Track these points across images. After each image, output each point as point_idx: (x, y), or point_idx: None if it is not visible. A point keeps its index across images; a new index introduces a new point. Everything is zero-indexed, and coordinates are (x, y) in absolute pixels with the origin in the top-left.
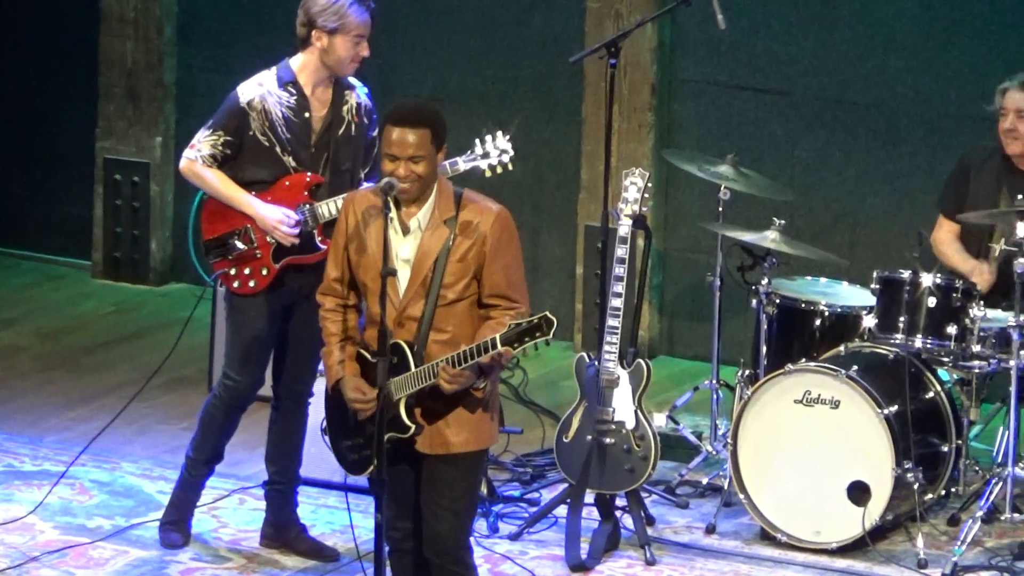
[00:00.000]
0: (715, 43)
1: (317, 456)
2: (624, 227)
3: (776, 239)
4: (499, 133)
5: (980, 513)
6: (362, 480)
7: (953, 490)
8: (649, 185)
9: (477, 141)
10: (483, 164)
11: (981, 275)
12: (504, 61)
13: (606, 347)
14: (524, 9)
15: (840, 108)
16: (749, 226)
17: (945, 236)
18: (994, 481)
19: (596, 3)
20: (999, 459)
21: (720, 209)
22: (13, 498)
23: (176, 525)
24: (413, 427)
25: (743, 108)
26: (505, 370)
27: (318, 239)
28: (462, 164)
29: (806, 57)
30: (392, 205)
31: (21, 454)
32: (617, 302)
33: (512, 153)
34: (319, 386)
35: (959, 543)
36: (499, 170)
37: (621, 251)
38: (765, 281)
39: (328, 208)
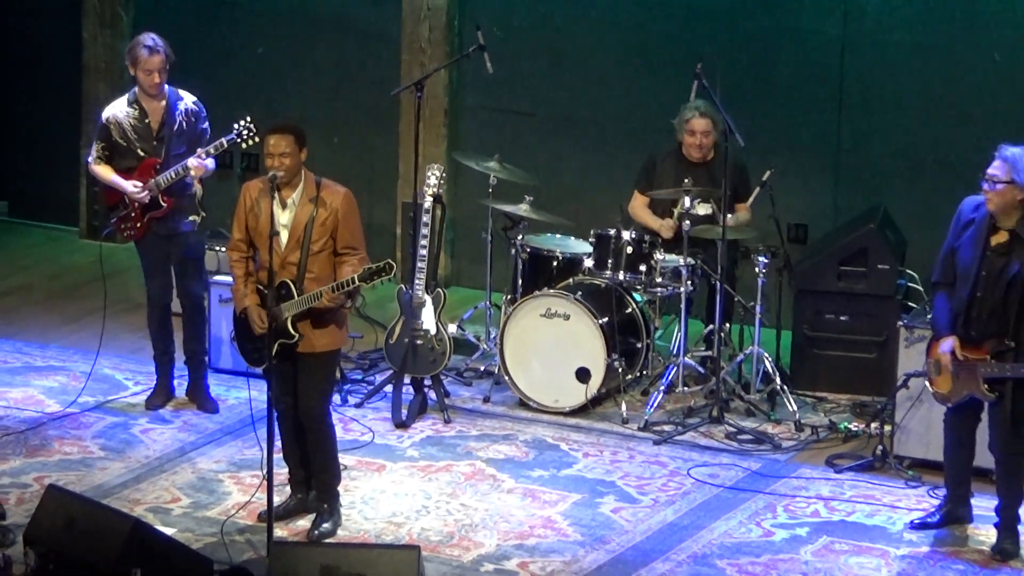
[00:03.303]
0: (486, 81)
1: (227, 353)
2: (427, 202)
3: (527, 209)
4: (246, 118)
5: (662, 387)
6: (258, 370)
7: (645, 372)
8: (443, 175)
9: (234, 125)
10: (236, 139)
11: (668, 229)
12: (347, 93)
13: (416, 281)
14: (362, 59)
15: (568, 123)
16: (509, 201)
17: (638, 205)
18: (672, 367)
19: (408, 56)
20: (674, 351)
21: (490, 190)
22: (30, 383)
23: (158, 396)
24: (297, 336)
25: (504, 123)
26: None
27: (161, 200)
28: (225, 141)
29: (545, 89)
30: (276, 188)
31: (34, 355)
32: (423, 252)
33: (253, 128)
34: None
35: (649, 407)
36: (248, 140)
37: (425, 218)
38: (520, 237)
39: (165, 178)
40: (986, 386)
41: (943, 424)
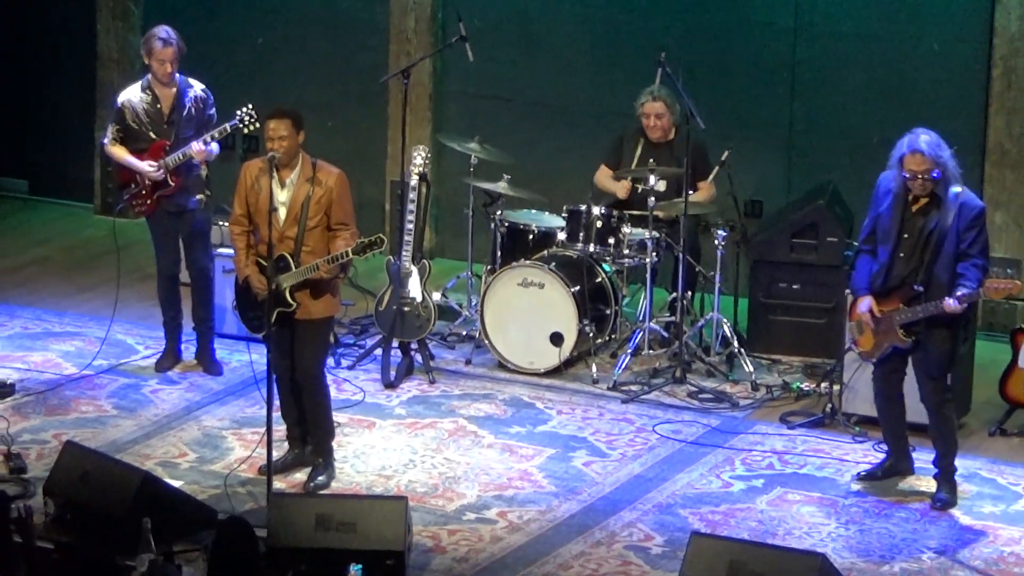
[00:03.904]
0: (467, 68)
1: (231, 320)
2: (413, 181)
3: (505, 187)
4: (248, 106)
5: (629, 350)
6: (258, 336)
7: (613, 336)
8: (428, 155)
9: (237, 112)
10: (239, 124)
11: (623, 190)
12: (341, 79)
13: (403, 252)
14: (353, 49)
15: (542, 108)
16: (489, 179)
17: (602, 174)
18: (638, 331)
19: (395, 46)
20: (640, 317)
21: (471, 169)
22: (49, 348)
23: (167, 359)
24: (295, 304)
25: (484, 108)
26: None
27: (170, 179)
28: (228, 127)
29: (521, 77)
30: (275, 169)
31: (52, 321)
32: (410, 226)
33: (254, 115)
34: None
35: (617, 369)
36: (249, 126)
37: (412, 195)
38: (499, 212)
39: (173, 159)
40: (902, 331)
41: (872, 383)
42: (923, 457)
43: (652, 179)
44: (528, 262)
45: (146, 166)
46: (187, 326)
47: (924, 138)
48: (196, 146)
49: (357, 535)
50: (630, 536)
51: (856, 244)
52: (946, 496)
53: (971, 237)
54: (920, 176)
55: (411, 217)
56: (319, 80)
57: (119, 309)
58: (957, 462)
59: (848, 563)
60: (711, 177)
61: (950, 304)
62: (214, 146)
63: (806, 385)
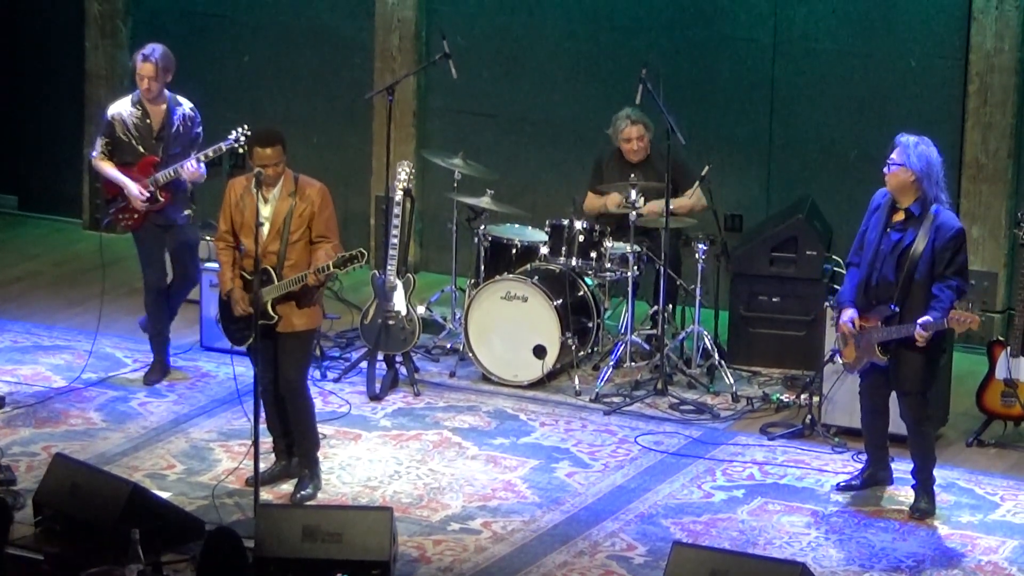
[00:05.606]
0: (450, 85)
1: (219, 333)
2: (398, 195)
3: (488, 202)
4: (243, 126)
5: (611, 362)
6: (242, 349)
7: (595, 349)
8: (412, 171)
9: (232, 132)
10: (234, 144)
11: (614, 201)
12: (325, 97)
13: (388, 266)
14: (338, 66)
15: (526, 124)
16: (472, 194)
17: (589, 200)
18: (620, 344)
19: (380, 63)
20: (622, 329)
21: (455, 184)
22: (38, 361)
23: (155, 372)
24: (276, 317)
25: (467, 124)
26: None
27: (159, 195)
28: (223, 147)
29: (504, 94)
30: (259, 185)
31: (42, 335)
32: (394, 240)
33: (248, 134)
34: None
35: (600, 381)
36: (245, 147)
37: (396, 210)
38: (482, 227)
39: (164, 176)
40: (879, 349)
41: (858, 394)
42: (902, 467)
43: (633, 194)
44: (511, 276)
45: (134, 189)
46: (174, 340)
47: (910, 138)
48: (190, 166)
49: (343, 545)
50: (612, 546)
51: (835, 258)
52: (925, 506)
53: (947, 258)
54: (887, 164)
55: (396, 232)
56: (305, 97)
57: (107, 323)
58: (935, 472)
59: (828, 572)
60: (693, 189)
61: (919, 333)
62: (201, 167)
63: (786, 397)
